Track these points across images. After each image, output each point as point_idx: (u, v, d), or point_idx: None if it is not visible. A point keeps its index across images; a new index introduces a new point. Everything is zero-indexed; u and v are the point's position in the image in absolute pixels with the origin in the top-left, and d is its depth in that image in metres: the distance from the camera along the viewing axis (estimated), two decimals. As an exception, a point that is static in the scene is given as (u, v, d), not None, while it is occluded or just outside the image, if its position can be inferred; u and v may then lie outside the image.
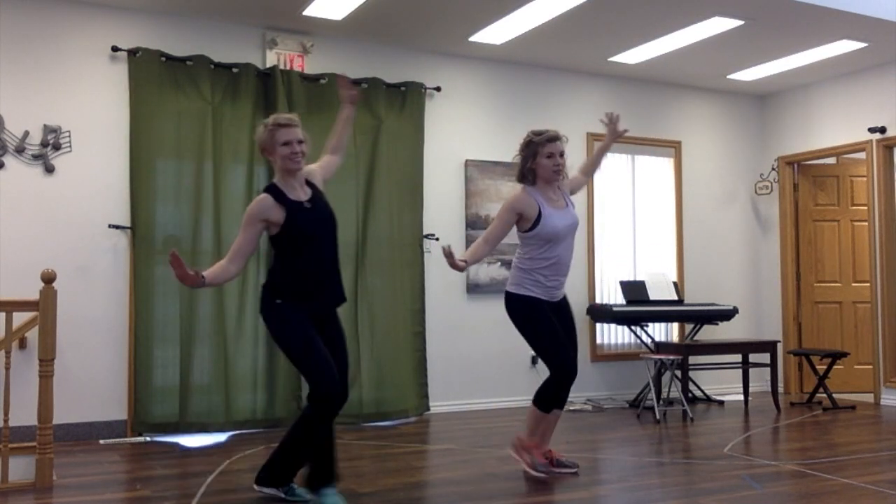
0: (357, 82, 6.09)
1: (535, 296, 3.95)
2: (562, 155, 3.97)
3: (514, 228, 4.05)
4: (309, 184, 3.51)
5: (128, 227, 5.37)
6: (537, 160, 3.98)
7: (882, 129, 6.84)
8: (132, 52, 5.43)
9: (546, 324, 3.94)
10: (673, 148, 7.52)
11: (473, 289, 6.52)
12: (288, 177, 3.43)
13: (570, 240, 4.04)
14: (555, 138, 3.97)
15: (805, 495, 3.69)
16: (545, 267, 3.94)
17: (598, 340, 7.03)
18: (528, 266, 3.97)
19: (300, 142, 3.41)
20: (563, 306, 4.08)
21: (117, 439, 5.21)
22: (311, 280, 3.42)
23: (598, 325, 6.98)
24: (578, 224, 4.12)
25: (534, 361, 6.68)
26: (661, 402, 6.31)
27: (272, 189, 3.41)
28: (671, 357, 6.18)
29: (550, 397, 3.97)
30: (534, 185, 4.03)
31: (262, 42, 5.88)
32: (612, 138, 4.36)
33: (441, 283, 6.41)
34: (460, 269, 3.76)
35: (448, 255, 3.66)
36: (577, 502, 3.60)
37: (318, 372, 3.32)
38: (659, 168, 7.50)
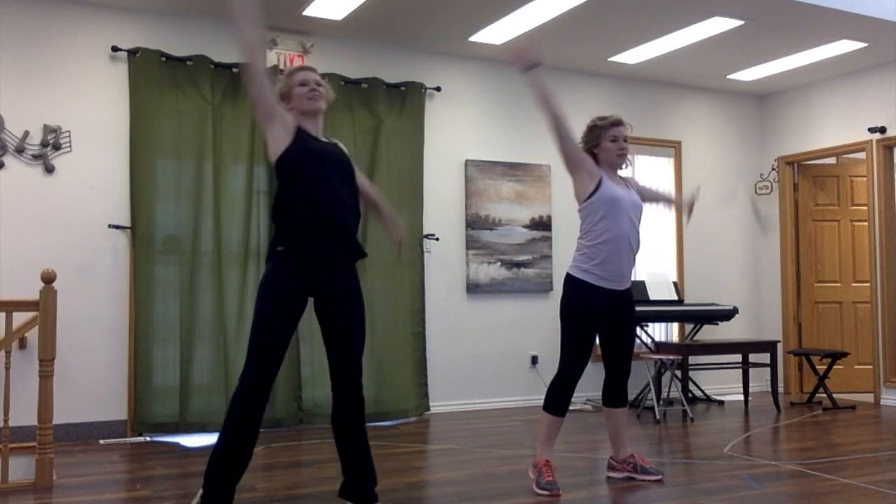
0: (357, 82, 6.10)
1: (589, 281, 3.76)
2: (625, 139, 3.85)
3: (577, 208, 3.89)
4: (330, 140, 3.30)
5: (128, 227, 5.37)
6: (601, 144, 3.84)
7: (882, 129, 6.85)
8: (132, 52, 5.43)
9: (583, 319, 3.78)
10: (673, 148, 7.52)
11: (473, 289, 6.53)
12: (305, 121, 3.17)
13: (634, 220, 3.81)
14: (619, 122, 3.87)
15: (805, 495, 3.68)
16: (604, 241, 3.73)
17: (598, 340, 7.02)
18: (588, 243, 3.79)
19: (318, 84, 3.21)
20: (624, 300, 3.86)
21: (117, 439, 5.22)
22: (317, 213, 3.07)
23: (598, 325, 6.97)
24: (642, 210, 3.90)
25: (534, 361, 6.69)
26: (661, 402, 6.31)
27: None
28: (671, 357, 6.18)
29: (557, 400, 3.82)
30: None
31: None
32: (684, 208, 4.23)
33: (441, 283, 6.41)
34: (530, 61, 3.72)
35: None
36: (577, 502, 3.60)
37: (256, 361, 3.03)
38: (659, 168, 7.50)
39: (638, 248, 3.89)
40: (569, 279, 3.85)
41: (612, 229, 3.75)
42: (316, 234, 3.08)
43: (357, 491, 3.23)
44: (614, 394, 3.99)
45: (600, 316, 3.83)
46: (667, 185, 7.49)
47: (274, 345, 3.06)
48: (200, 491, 3.18)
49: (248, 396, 3.03)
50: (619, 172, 3.99)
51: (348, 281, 3.21)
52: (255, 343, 3.06)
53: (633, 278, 6.95)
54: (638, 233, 3.87)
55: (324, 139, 3.25)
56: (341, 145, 3.33)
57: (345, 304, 3.18)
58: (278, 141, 3.10)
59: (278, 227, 3.13)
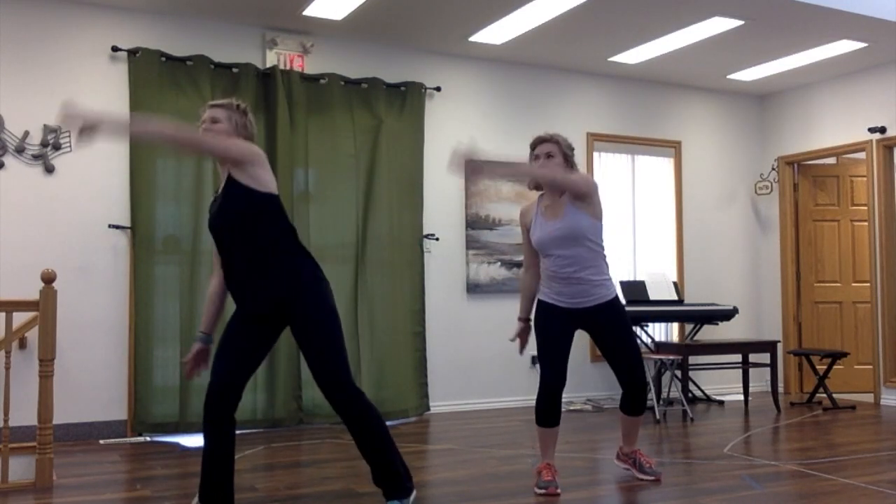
0: (357, 82, 6.10)
1: (546, 299, 3.85)
2: (549, 156, 3.77)
3: None
4: (228, 176, 3.11)
5: (128, 227, 5.37)
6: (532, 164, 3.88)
7: (882, 129, 6.85)
8: (132, 52, 5.43)
9: (544, 333, 3.84)
10: (673, 148, 7.52)
11: (473, 289, 6.52)
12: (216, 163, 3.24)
13: (570, 249, 3.72)
14: (540, 140, 3.82)
15: (805, 495, 3.68)
16: (548, 274, 3.82)
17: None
18: (541, 271, 3.90)
19: (214, 120, 3.15)
20: (598, 313, 3.78)
21: (117, 439, 5.22)
22: (227, 278, 3.19)
23: (598, 325, 6.97)
24: (578, 232, 3.71)
25: (534, 361, 6.69)
26: (661, 402, 6.31)
27: None
28: (671, 357, 6.18)
29: (543, 412, 3.82)
30: (541, 190, 3.93)
31: (262, 42, 5.88)
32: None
33: (441, 283, 6.41)
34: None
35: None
36: (577, 502, 3.60)
37: (212, 368, 3.22)
38: (659, 168, 7.50)
39: (584, 269, 3.73)
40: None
41: (551, 268, 3.80)
42: (234, 296, 3.21)
43: (380, 487, 3.27)
44: (628, 403, 3.97)
45: (562, 327, 3.82)
46: (666, 186, 7.50)
47: (217, 363, 3.21)
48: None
49: (207, 401, 3.24)
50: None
51: (297, 315, 3.13)
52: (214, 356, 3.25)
53: (633, 278, 7.05)
54: (581, 259, 3.72)
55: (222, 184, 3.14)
56: (231, 188, 3.07)
57: (301, 330, 3.14)
58: None
59: None
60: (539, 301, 3.91)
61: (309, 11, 5.57)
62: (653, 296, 6.77)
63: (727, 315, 6.87)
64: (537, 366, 6.70)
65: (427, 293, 6.29)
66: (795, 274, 7.62)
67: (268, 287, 3.10)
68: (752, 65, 6.94)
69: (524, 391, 6.62)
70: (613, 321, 3.82)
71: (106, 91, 5.42)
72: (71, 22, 5.36)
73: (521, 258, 6.63)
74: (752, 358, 6.78)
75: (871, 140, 6.94)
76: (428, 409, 6.20)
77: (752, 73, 7.16)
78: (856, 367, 7.37)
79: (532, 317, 3.96)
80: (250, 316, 3.18)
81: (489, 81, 6.74)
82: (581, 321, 3.83)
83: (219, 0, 5.41)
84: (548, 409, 3.82)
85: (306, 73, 5.92)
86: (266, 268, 3.09)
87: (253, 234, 3.07)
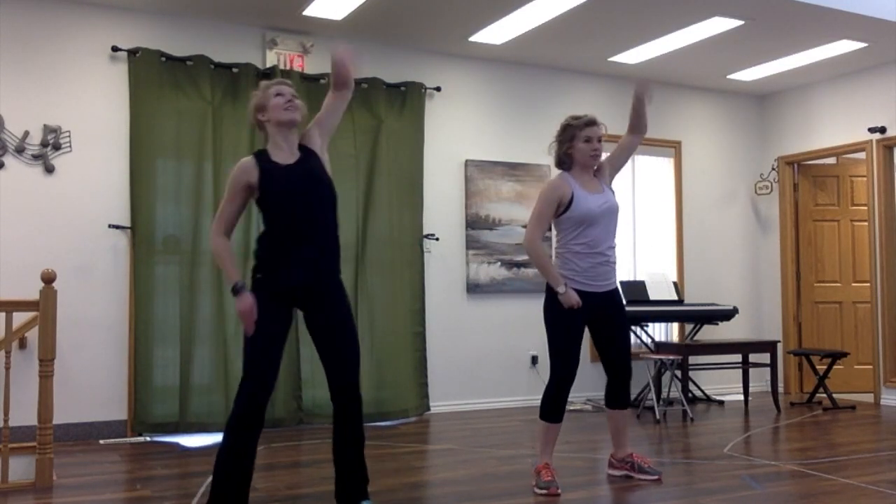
0: (357, 82, 6.07)
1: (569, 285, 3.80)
2: (599, 140, 3.87)
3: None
4: (303, 149, 3.25)
5: (128, 227, 5.37)
6: (574, 144, 3.87)
7: (882, 129, 6.85)
8: (132, 52, 5.43)
9: (564, 323, 3.77)
10: (673, 148, 7.52)
11: (473, 289, 6.53)
12: (279, 134, 3.19)
13: (610, 224, 3.84)
14: (593, 122, 3.90)
15: (805, 495, 3.69)
16: (579, 252, 3.78)
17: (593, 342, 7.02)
18: (563, 251, 3.84)
19: (294, 96, 3.21)
20: (608, 300, 3.85)
21: (117, 439, 5.22)
22: (283, 246, 3.14)
23: (598, 325, 6.97)
24: (618, 209, 3.91)
25: (534, 361, 6.69)
26: (661, 402, 6.31)
27: (258, 152, 3.24)
28: (671, 357, 6.18)
29: (551, 407, 3.82)
30: (570, 170, 3.93)
31: (262, 42, 5.88)
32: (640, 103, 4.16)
33: (441, 283, 6.41)
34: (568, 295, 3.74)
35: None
36: (578, 502, 3.60)
37: (244, 373, 3.08)
38: (659, 168, 7.50)
39: (614, 249, 3.91)
40: (547, 284, 3.85)
41: (587, 243, 3.79)
42: (282, 265, 3.15)
43: (346, 492, 3.22)
44: (613, 395, 4.00)
45: (581, 317, 3.80)
46: (666, 186, 7.50)
47: (260, 364, 3.07)
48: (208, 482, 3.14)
49: (243, 416, 3.04)
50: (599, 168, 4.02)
51: (332, 299, 3.20)
52: (244, 364, 3.11)
53: (633, 278, 7.05)
54: (613, 236, 3.90)
55: (295, 154, 3.22)
56: (315, 150, 3.26)
57: (330, 324, 3.17)
58: (255, 192, 3.20)
59: (258, 253, 3.24)
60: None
61: (309, 11, 5.57)
62: (653, 296, 6.76)
63: (727, 315, 6.86)
64: (537, 366, 6.68)
65: (427, 293, 6.29)
66: (795, 274, 7.62)
67: (322, 266, 3.19)
68: (752, 65, 6.94)
69: (524, 391, 6.62)
70: (618, 308, 3.93)
71: (106, 91, 5.41)
72: (71, 22, 5.36)
73: (521, 258, 6.64)
74: (752, 358, 6.77)
75: (871, 140, 6.94)
76: (428, 409, 6.20)
77: (752, 73, 7.16)
78: (856, 367, 7.37)
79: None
80: (280, 295, 3.15)
81: (489, 81, 6.74)
82: (592, 309, 3.82)
83: (219, 0, 5.41)
84: (557, 404, 3.82)
85: (306, 73, 5.92)
86: (327, 243, 3.21)
87: (330, 207, 3.24)
